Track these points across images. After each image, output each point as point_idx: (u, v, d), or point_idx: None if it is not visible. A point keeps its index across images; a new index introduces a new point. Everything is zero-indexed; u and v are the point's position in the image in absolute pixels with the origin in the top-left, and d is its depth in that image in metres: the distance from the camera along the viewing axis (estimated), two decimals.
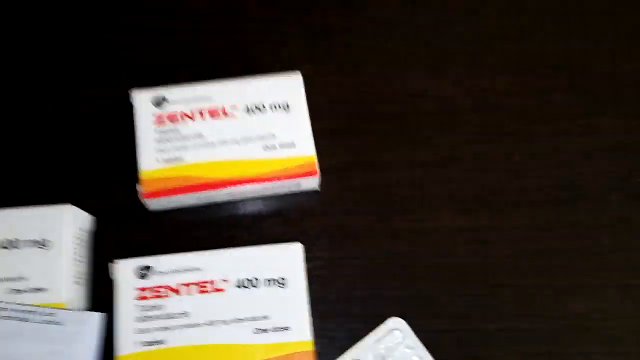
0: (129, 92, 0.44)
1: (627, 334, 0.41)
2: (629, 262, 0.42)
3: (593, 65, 0.48)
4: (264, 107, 0.43)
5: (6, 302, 0.37)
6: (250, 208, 0.44)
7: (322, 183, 0.43)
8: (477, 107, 0.46)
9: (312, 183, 0.43)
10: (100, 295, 0.40)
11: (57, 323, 0.36)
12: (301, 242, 0.40)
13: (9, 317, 0.36)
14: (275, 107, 0.43)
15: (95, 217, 0.42)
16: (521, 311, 0.41)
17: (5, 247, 0.39)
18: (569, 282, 0.42)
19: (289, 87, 0.44)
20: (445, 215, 0.43)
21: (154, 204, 0.42)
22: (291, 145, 0.42)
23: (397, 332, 0.40)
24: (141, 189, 0.41)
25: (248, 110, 0.43)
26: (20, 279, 0.38)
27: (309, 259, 0.40)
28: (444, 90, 0.47)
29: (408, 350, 0.39)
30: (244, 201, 0.44)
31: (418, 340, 0.40)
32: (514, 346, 0.40)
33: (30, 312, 0.36)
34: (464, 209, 0.43)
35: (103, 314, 0.38)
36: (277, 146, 0.42)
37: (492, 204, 0.44)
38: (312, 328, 0.38)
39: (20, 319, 0.36)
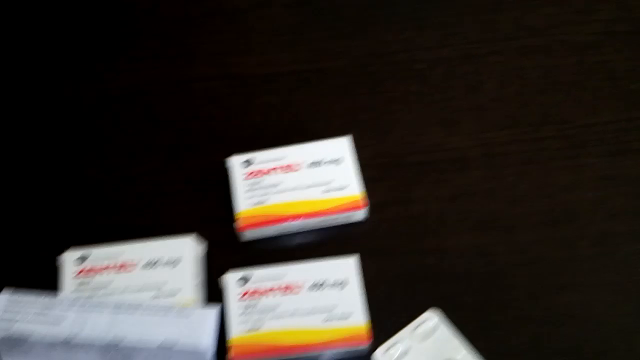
0: (226, 158, 0.63)
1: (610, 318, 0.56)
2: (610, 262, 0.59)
3: (572, 119, 0.66)
4: (322, 162, 0.62)
5: (152, 304, 0.56)
6: (316, 236, 0.61)
7: (368, 215, 0.61)
8: (484, 154, 0.64)
9: (360, 215, 0.61)
10: (212, 299, 0.58)
11: (187, 316, 0.54)
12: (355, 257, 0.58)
13: (155, 313, 0.54)
14: (331, 162, 0.62)
15: (208, 244, 0.61)
16: (525, 303, 0.57)
17: (147, 267, 0.58)
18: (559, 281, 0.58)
19: (341, 147, 0.63)
20: (462, 235, 0.60)
21: (247, 235, 0.61)
22: (343, 187, 0.61)
23: (432, 321, 0.56)
24: (238, 224, 0.60)
25: (311, 164, 0.62)
26: (159, 287, 0.57)
27: (362, 269, 0.57)
28: (458, 143, 0.65)
29: (442, 336, 0.56)
30: (311, 230, 0.61)
31: (449, 328, 0.56)
32: (523, 328, 0.56)
33: (169, 309, 0.55)
34: (476, 230, 0.60)
35: (218, 308, 0.55)
36: (333, 189, 0.61)
37: (498, 225, 0.61)
38: (365, 318, 0.55)
39: (163, 314, 0.54)
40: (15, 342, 0.54)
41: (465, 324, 0.56)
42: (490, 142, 0.64)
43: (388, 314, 0.57)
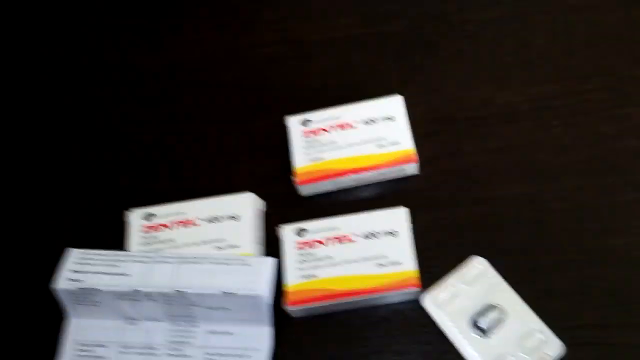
0: (284, 118, 0.68)
1: None
2: None
3: (618, 70, 0.67)
4: (376, 120, 0.65)
5: (213, 254, 0.61)
6: (370, 189, 0.65)
7: (420, 169, 0.65)
8: (532, 108, 0.66)
9: (412, 169, 0.64)
10: (273, 253, 0.62)
11: (247, 265, 0.59)
12: (407, 208, 0.61)
13: (217, 263, 0.59)
14: (384, 119, 0.65)
15: (266, 201, 0.66)
16: (569, 247, 0.59)
17: (211, 222, 0.63)
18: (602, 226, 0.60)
19: (394, 105, 0.66)
20: (509, 185, 0.63)
21: (304, 189, 0.65)
22: (397, 143, 0.64)
23: (479, 267, 0.60)
24: (296, 179, 0.64)
25: (366, 122, 0.65)
26: (222, 240, 0.62)
27: (414, 220, 0.61)
28: (506, 98, 0.67)
29: (489, 281, 0.59)
30: (366, 185, 0.65)
31: (496, 272, 0.59)
32: (567, 271, 0.58)
33: (230, 259, 0.59)
34: (524, 179, 0.63)
35: (276, 258, 0.60)
36: (386, 144, 0.64)
37: (544, 175, 0.63)
38: (416, 263, 0.59)
39: (224, 264, 0.59)
40: (86, 294, 0.59)
41: (512, 269, 0.59)
42: (537, 96, 0.67)
43: (438, 262, 0.60)
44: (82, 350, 0.61)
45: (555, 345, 0.55)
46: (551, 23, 0.71)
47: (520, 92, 0.67)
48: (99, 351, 0.60)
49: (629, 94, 0.65)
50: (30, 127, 0.76)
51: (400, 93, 0.67)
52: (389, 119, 0.65)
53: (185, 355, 0.59)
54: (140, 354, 0.60)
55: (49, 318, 0.62)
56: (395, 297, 0.59)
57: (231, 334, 0.60)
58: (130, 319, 0.61)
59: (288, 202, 0.66)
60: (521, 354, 0.55)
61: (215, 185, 0.67)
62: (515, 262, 0.59)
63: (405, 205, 0.61)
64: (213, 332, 0.60)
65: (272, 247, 0.63)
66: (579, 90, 0.66)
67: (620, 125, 0.64)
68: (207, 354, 0.59)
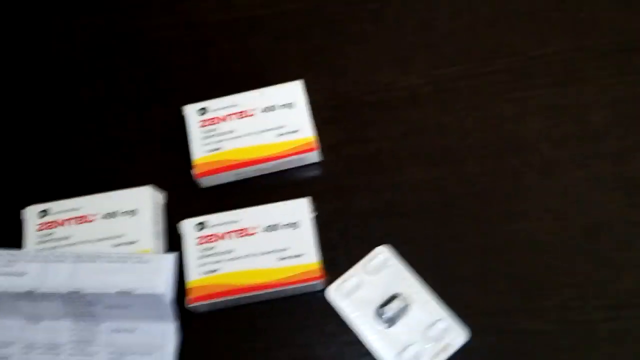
0: (181, 107, 0.66)
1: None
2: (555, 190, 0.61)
3: (522, 50, 0.67)
4: (275, 107, 0.64)
5: (111, 252, 0.59)
6: (271, 179, 0.64)
7: (324, 156, 0.64)
8: (435, 91, 0.66)
9: (313, 157, 0.63)
10: (174, 247, 0.61)
11: (145, 262, 0.58)
12: (310, 197, 0.60)
13: (114, 261, 0.58)
14: (283, 106, 0.64)
15: (166, 193, 0.64)
16: (474, 233, 0.60)
17: (107, 218, 0.61)
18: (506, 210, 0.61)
19: (293, 91, 0.65)
20: (414, 170, 0.63)
21: (205, 182, 0.63)
22: (296, 131, 0.63)
23: (382, 256, 0.60)
24: (195, 171, 0.63)
25: (264, 110, 0.64)
26: (119, 237, 0.60)
27: (318, 209, 0.60)
28: (410, 81, 0.67)
29: (392, 270, 0.59)
30: (267, 174, 0.64)
31: (399, 260, 0.59)
32: (472, 257, 0.59)
33: (127, 257, 0.58)
34: (428, 164, 0.63)
35: (175, 254, 0.59)
36: (285, 133, 0.63)
37: (448, 159, 0.63)
38: (319, 255, 0.58)
39: (122, 262, 0.58)
40: None
41: (417, 257, 0.59)
42: (441, 79, 0.66)
43: (343, 252, 0.60)
44: None
45: (459, 333, 0.56)
46: (454, 1, 0.71)
47: (424, 74, 0.67)
48: (3, 351, 0.59)
49: (532, 76, 0.66)
50: None
51: (302, 77, 0.66)
52: (288, 105, 0.64)
53: (89, 354, 0.58)
54: (44, 353, 0.59)
55: None
56: (299, 289, 0.58)
57: (134, 331, 0.58)
58: (32, 318, 0.59)
59: (188, 194, 0.64)
60: (425, 344, 0.55)
61: (112, 178, 0.65)
62: (421, 249, 0.60)
63: (310, 194, 0.61)
64: (116, 330, 0.59)
65: (174, 240, 0.62)
66: (482, 72, 0.66)
67: (522, 107, 0.64)
68: (112, 352, 0.58)
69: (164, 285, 0.56)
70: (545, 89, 0.65)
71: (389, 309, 0.56)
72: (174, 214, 0.63)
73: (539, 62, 0.66)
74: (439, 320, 0.56)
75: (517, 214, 0.60)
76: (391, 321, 0.56)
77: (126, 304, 0.57)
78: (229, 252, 0.59)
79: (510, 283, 0.58)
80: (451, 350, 0.55)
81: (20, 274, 0.58)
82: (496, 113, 0.64)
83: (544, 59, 0.66)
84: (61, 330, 0.59)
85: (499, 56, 0.67)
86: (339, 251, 0.60)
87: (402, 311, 0.57)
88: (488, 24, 0.69)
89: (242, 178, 0.64)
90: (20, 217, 0.62)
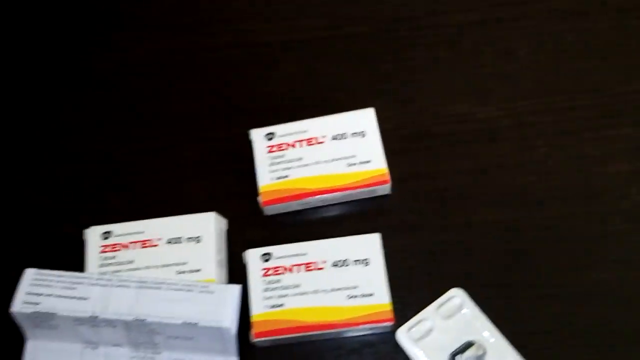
0: (248, 131, 0.65)
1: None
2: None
3: (608, 86, 0.65)
4: (346, 135, 0.63)
5: (175, 280, 0.58)
6: (339, 210, 0.63)
7: (392, 188, 0.62)
8: (514, 125, 0.64)
9: (384, 190, 0.62)
10: (235, 275, 0.60)
11: (210, 292, 0.56)
12: (378, 231, 0.59)
13: (179, 289, 0.57)
14: (354, 134, 0.63)
15: (228, 220, 0.63)
16: (553, 281, 0.58)
17: (171, 243, 0.60)
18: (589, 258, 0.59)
19: (365, 119, 0.64)
20: (488, 210, 0.61)
21: (269, 210, 0.62)
22: (367, 161, 0.62)
23: (456, 299, 0.58)
24: (261, 199, 0.62)
25: (334, 138, 0.63)
26: (183, 264, 0.59)
27: (385, 245, 0.59)
28: (486, 113, 0.65)
29: (466, 314, 0.58)
30: (335, 204, 0.63)
31: (474, 305, 0.57)
32: (550, 307, 0.57)
33: (192, 285, 0.57)
34: (504, 204, 0.61)
35: (240, 285, 0.58)
36: (357, 163, 0.62)
37: (526, 200, 0.61)
38: (389, 296, 0.57)
39: (187, 290, 0.57)
40: (42, 318, 0.57)
41: (490, 302, 0.57)
42: (520, 112, 0.65)
43: (411, 292, 0.59)
44: None
45: None
46: (535, 29, 0.69)
47: (502, 106, 0.65)
48: None
49: (620, 113, 0.64)
50: None
51: (370, 104, 0.65)
52: (360, 134, 0.63)
53: None
54: None
55: (12, 339, 0.60)
56: (367, 329, 0.57)
57: None
58: (91, 343, 0.59)
59: (251, 221, 0.63)
60: None
61: (173, 203, 0.64)
62: (494, 294, 0.58)
63: (376, 228, 0.60)
64: None
65: (235, 268, 0.61)
66: (565, 107, 0.65)
67: (609, 146, 0.63)
68: None
69: (230, 319, 0.55)
70: (633, 128, 0.63)
71: (464, 357, 0.55)
72: (236, 241, 0.62)
73: (626, 99, 0.64)
74: None
75: (599, 262, 0.58)
76: None
77: (189, 335, 0.56)
78: (296, 286, 0.58)
79: (590, 335, 0.56)
80: None
81: (83, 298, 0.57)
82: (580, 152, 0.63)
83: (631, 95, 0.64)
84: (120, 357, 0.58)
85: (583, 91, 0.65)
86: (407, 291, 0.59)
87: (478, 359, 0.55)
88: (572, 56, 0.67)
89: (308, 207, 0.63)
90: (83, 238, 0.62)
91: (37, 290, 0.58)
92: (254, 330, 0.57)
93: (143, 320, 0.55)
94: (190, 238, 0.60)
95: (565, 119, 0.64)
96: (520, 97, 0.66)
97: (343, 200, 0.63)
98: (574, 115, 0.64)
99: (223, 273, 0.61)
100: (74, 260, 0.61)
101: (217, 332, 0.55)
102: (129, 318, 0.56)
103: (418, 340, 0.56)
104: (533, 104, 0.65)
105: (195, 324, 0.55)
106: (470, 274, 0.59)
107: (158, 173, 0.67)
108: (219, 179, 0.66)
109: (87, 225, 0.62)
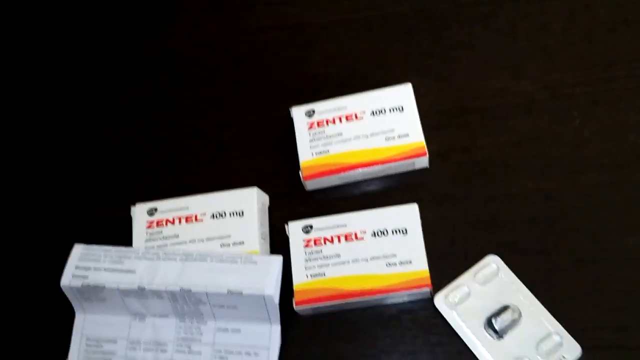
0: (288, 108, 0.68)
1: None
2: None
3: None
4: (384, 110, 0.65)
5: (220, 252, 0.61)
6: (379, 184, 0.65)
7: (430, 162, 0.64)
8: (550, 97, 0.65)
9: (422, 163, 0.64)
10: (278, 248, 0.63)
11: (254, 263, 0.59)
12: (417, 203, 0.61)
13: (224, 261, 0.59)
14: (392, 109, 0.65)
15: (271, 197, 0.66)
16: (588, 247, 0.59)
17: (215, 218, 0.63)
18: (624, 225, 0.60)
19: (403, 94, 0.66)
20: (525, 181, 0.62)
21: (311, 185, 0.65)
22: (406, 135, 0.64)
23: (493, 266, 0.60)
24: (302, 173, 0.64)
25: (373, 113, 0.65)
26: (226, 237, 0.62)
27: (424, 216, 0.60)
28: (522, 86, 0.66)
29: (502, 280, 0.59)
30: (374, 179, 0.65)
31: (510, 271, 0.59)
32: (585, 272, 0.58)
33: (236, 257, 0.59)
34: (541, 175, 0.62)
35: (281, 257, 0.60)
36: (395, 137, 0.64)
37: (563, 170, 0.62)
38: (427, 263, 0.58)
39: (231, 262, 0.59)
40: (91, 291, 0.60)
41: (527, 269, 0.59)
42: (555, 85, 0.66)
43: (449, 260, 0.60)
44: (91, 346, 0.62)
45: (572, 348, 0.55)
46: (569, 3, 0.70)
47: (538, 80, 0.66)
48: (108, 346, 0.61)
49: None
50: (34, 124, 0.76)
51: (408, 81, 0.66)
52: (398, 109, 0.65)
53: (194, 352, 0.60)
54: (149, 350, 0.61)
55: (62, 313, 0.63)
56: (405, 296, 0.59)
57: (240, 331, 0.60)
58: (138, 315, 0.62)
59: (293, 197, 0.66)
60: (537, 357, 0.55)
61: (217, 181, 0.67)
62: (530, 261, 0.59)
63: (415, 200, 0.61)
64: (222, 329, 0.61)
65: (277, 243, 0.64)
66: (601, 79, 0.65)
67: None
68: (216, 350, 0.60)
69: (272, 287, 0.57)
70: None
71: (500, 320, 0.56)
72: (278, 216, 0.65)
73: None
74: (552, 334, 0.56)
75: (635, 229, 0.59)
76: (502, 332, 0.56)
77: (234, 303, 0.58)
78: (336, 256, 0.60)
79: (626, 299, 0.57)
80: None
81: (130, 271, 0.60)
82: (617, 122, 0.63)
83: None
84: (167, 327, 0.61)
85: (619, 62, 0.66)
86: (446, 259, 0.60)
87: (514, 323, 0.56)
88: (607, 29, 0.68)
89: (346, 182, 0.65)
90: (130, 214, 0.65)
91: (86, 264, 0.61)
92: (295, 299, 0.59)
93: (189, 290, 0.58)
94: (233, 212, 0.63)
95: (599, 91, 0.65)
96: (554, 71, 0.67)
97: (382, 174, 0.65)
98: (608, 87, 0.65)
99: (266, 246, 0.63)
100: (121, 238, 0.65)
101: (260, 300, 0.57)
102: (176, 288, 0.58)
103: (455, 305, 0.58)
104: (567, 76, 0.66)
105: (240, 292, 0.57)
106: (507, 242, 0.60)
107: (202, 153, 0.70)
108: (261, 158, 0.68)
109: (134, 203, 0.65)
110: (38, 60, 0.79)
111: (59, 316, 0.63)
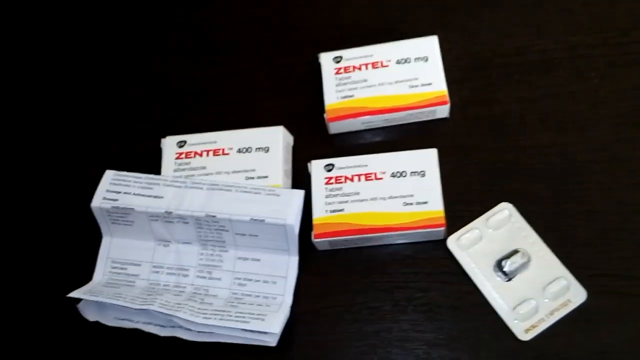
0: (317, 55, 0.70)
1: None
2: None
3: None
4: (409, 60, 0.68)
5: (244, 184, 0.64)
6: (398, 131, 0.68)
7: (451, 114, 0.67)
8: (570, 57, 0.68)
9: (443, 112, 0.67)
10: (300, 186, 0.65)
11: (277, 195, 0.62)
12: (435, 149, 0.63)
13: (248, 191, 0.62)
14: (417, 59, 0.67)
15: (295, 138, 0.69)
16: (598, 198, 0.62)
17: (241, 152, 0.66)
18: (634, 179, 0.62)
19: (428, 45, 0.68)
20: (541, 135, 0.65)
21: (334, 127, 0.67)
22: (429, 84, 0.66)
23: (505, 212, 0.62)
24: (326, 115, 0.67)
25: (398, 62, 0.68)
26: (252, 170, 0.65)
27: (442, 163, 0.63)
28: (544, 45, 0.69)
29: (514, 226, 0.62)
30: (396, 125, 0.68)
31: (522, 218, 0.62)
32: (594, 221, 0.61)
33: (260, 188, 0.62)
34: (557, 129, 0.65)
35: (304, 190, 0.63)
36: (419, 85, 0.66)
37: (578, 126, 0.65)
38: (442, 204, 0.61)
39: (255, 193, 0.62)
40: (119, 214, 0.63)
41: (538, 217, 0.61)
42: (576, 45, 0.68)
43: (464, 206, 0.63)
44: (116, 268, 0.65)
45: (579, 292, 0.58)
46: None
47: (559, 40, 0.69)
48: (132, 269, 0.65)
49: None
50: (74, 62, 0.79)
51: (434, 34, 0.69)
52: (423, 59, 0.67)
53: (214, 278, 0.63)
54: (172, 274, 0.64)
55: (89, 235, 0.66)
56: (420, 236, 0.62)
57: (259, 260, 0.63)
58: (163, 241, 0.65)
59: (316, 139, 0.69)
60: (543, 299, 0.58)
61: (245, 120, 0.69)
62: (542, 209, 0.62)
63: (434, 147, 0.64)
64: (242, 258, 0.64)
65: (299, 181, 0.66)
66: (619, 42, 0.68)
67: None
68: (236, 278, 0.63)
69: (294, 217, 0.60)
70: None
71: (509, 263, 0.59)
72: (302, 157, 0.67)
73: None
74: (559, 277, 0.58)
75: None
76: (511, 275, 0.59)
77: (255, 232, 0.61)
78: (356, 193, 0.62)
79: (633, 249, 0.59)
80: (571, 307, 0.58)
81: (159, 197, 0.63)
82: (632, 83, 0.66)
83: None
84: (190, 253, 0.64)
85: (636, 27, 0.68)
86: (461, 205, 0.63)
87: (523, 266, 0.59)
88: None
89: (369, 127, 0.68)
90: (160, 146, 0.68)
91: (117, 188, 0.64)
92: (314, 232, 0.62)
93: (213, 216, 0.61)
94: (259, 148, 0.66)
95: (617, 53, 0.67)
96: (575, 32, 0.69)
97: (404, 122, 0.68)
98: (626, 49, 0.67)
99: (288, 182, 0.66)
100: (152, 168, 0.67)
101: (281, 229, 0.60)
102: (201, 214, 0.61)
103: (467, 247, 0.61)
104: (587, 38, 0.69)
105: (262, 220, 0.60)
106: (521, 192, 0.63)
107: (232, 95, 0.73)
108: (289, 101, 0.71)
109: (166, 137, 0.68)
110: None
111: (86, 239, 0.66)
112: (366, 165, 0.64)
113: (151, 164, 0.68)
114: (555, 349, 0.57)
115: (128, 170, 0.65)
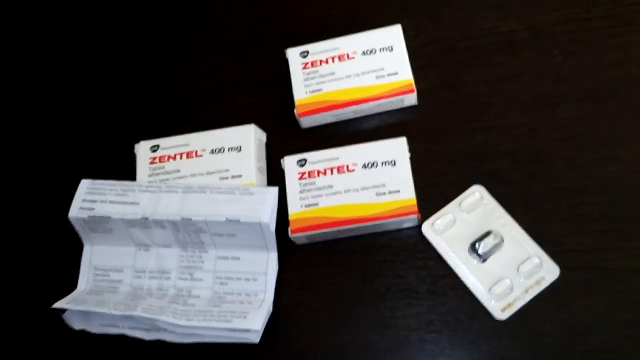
0: (284, 50, 0.71)
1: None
2: None
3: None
4: (374, 50, 0.69)
5: (218, 185, 0.65)
6: (368, 121, 0.69)
7: (420, 100, 0.68)
8: (533, 36, 0.69)
9: (411, 99, 0.68)
10: (275, 182, 0.67)
11: (251, 194, 0.63)
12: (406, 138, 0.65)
13: (222, 192, 0.63)
14: (382, 49, 0.69)
15: (267, 133, 0.70)
16: (566, 175, 0.63)
17: (214, 153, 0.67)
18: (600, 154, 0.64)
19: (393, 34, 0.69)
20: (509, 115, 0.66)
21: (305, 121, 0.69)
22: (395, 73, 0.67)
23: (477, 194, 0.64)
24: (296, 111, 0.68)
25: (364, 53, 0.69)
26: (226, 170, 0.66)
27: (413, 150, 0.64)
28: (508, 26, 0.70)
29: (486, 208, 0.63)
30: (365, 116, 0.69)
31: (493, 199, 0.63)
32: (563, 198, 0.62)
33: (234, 188, 0.63)
34: (523, 109, 0.66)
35: (277, 187, 0.64)
36: (385, 75, 0.67)
37: (544, 104, 0.66)
38: (414, 192, 0.62)
39: (229, 193, 0.63)
40: (97, 222, 0.64)
41: (509, 197, 0.63)
42: (539, 24, 0.69)
43: (437, 191, 0.64)
44: (98, 275, 0.66)
45: (552, 269, 0.60)
46: None
47: (522, 20, 0.70)
48: (115, 275, 0.66)
49: (631, 22, 0.68)
50: (43, 69, 0.80)
51: (400, 21, 0.70)
52: (388, 49, 0.69)
53: (196, 279, 0.65)
54: (154, 277, 0.65)
55: (72, 244, 0.67)
56: (394, 224, 0.63)
57: (239, 259, 0.65)
58: (144, 245, 0.66)
59: (290, 134, 0.70)
60: (518, 278, 0.60)
61: (217, 118, 0.71)
62: (513, 190, 0.63)
63: (405, 136, 0.65)
64: (222, 257, 0.65)
65: (273, 177, 0.68)
66: (581, 18, 0.69)
67: (621, 53, 0.67)
68: (217, 277, 0.64)
69: (268, 215, 0.62)
70: None
71: (483, 244, 0.61)
72: (275, 152, 0.69)
73: (637, 9, 0.68)
74: (532, 256, 0.60)
75: (612, 157, 0.63)
76: (485, 256, 0.61)
77: (232, 232, 0.63)
78: (329, 187, 0.64)
79: (604, 223, 0.61)
80: (544, 285, 0.59)
81: (134, 203, 0.64)
82: (595, 59, 0.67)
83: None
84: (170, 256, 0.66)
85: (599, 3, 0.69)
86: (433, 190, 0.64)
87: (496, 247, 0.61)
88: None
89: (340, 120, 0.69)
90: (134, 152, 0.69)
91: (92, 197, 0.65)
92: (290, 227, 0.63)
93: (190, 219, 0.62)
94: (231, 148, 0.67)
95: (580, 29, 0.68)
96: (538, 11, 0.70)
97: (374, 112, 0.69)
98: (589, 25, 0.68)
99: (263, 179, 0.67)
100: (126, 174, 0.69)
101: (257, 227, 0.62)
102: (177, 218, 0.63)
103: (441, 232, 0.62)
104: (550, 16, 0.70)
105: (237, 220, 0.61)
106: (490, 173, 0.64)
107: (205, 93, 0.74)
108: (261, 97, 0.73)
109: (138, 140, 0.69)
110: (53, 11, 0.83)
111: (68, 249, 0.68)
112: (337, 158, 0.65)
113: (127, 169, 0.69)
114: (531, 326, 0.59)
115: (105, 177, 0.67)
